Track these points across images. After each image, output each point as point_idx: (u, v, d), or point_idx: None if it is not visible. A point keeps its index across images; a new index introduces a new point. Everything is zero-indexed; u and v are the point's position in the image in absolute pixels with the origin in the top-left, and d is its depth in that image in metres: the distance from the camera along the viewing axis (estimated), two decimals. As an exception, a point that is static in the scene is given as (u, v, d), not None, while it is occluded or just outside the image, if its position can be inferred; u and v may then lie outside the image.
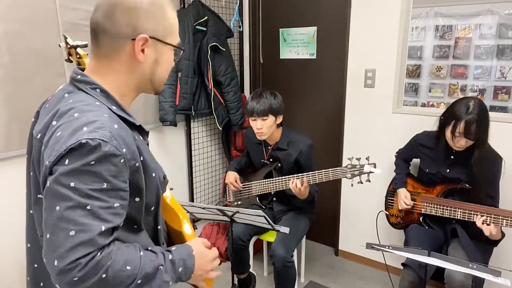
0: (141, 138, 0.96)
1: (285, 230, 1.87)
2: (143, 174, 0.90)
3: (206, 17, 2.68)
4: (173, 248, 0.95)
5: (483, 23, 2.23)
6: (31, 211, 0.95)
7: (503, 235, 1.91)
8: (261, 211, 1.74)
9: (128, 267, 0.80)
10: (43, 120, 0.89)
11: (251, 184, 2.43)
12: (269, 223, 1.83)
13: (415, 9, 2.42)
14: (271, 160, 2.37)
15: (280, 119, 2.25)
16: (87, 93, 0.89)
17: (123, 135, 0.84)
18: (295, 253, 2.27)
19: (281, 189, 2.25)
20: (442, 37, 2.38)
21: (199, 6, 2.68)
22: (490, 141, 1.94)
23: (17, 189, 1.99)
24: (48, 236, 0.76)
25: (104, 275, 0.76)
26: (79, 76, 0.91)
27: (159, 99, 2.58)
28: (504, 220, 1.81)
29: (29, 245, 0.99)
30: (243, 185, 2.47)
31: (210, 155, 3.16)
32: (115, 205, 0.80)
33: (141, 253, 0.85)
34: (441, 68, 2.41)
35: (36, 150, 0.89)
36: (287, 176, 2.19)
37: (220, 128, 2.91)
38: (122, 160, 0.81)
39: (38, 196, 0.91)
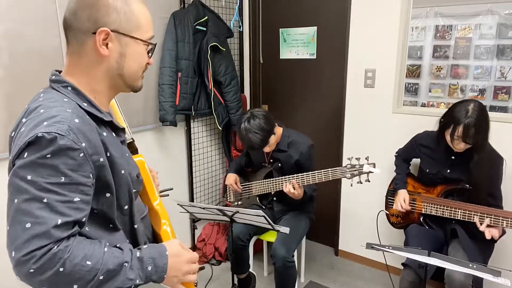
0: (113, 135, 0.96)
1: (285, 230, 1.87)
2: (110, 170, 0.90)
3: (206, 17, 2.68)
4: (144, 246, 0.94)
5: (483, 23, 2.23)
6: None
7: (503, 232, 1.91)
8: (261, 211, 1.74)
9: (88, 262, 0.79)
10: (17, 120, 0.91)
11: (251, 184, 2.43)
12: (269, 223, 1.83)
13: (415, 9, 2.42)
14: (271, 161, 2.37)
15: (276, 128, 2.26)
16: (58, 91, 0.91)
17: (84, 129, 0.84)
18: (295, 253, 2.27)
19: (281, 189, 2.25)
20: (442, 37, 2.37)
21: (199, 6, 2.68)
22: (491, 141, 1.94)
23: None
24: (8, 228, 0.77)
25: (61, 269, 0.76)
26: (53, 77, 0.93)
27: (159, 99, 2.58)
28: (505, 221, 1.81)
29: None
30: (243, 185, 2.47)
31: (210, 155, 3.16)
32: (75, 199, 0.80)
33: (105, 249, 0.84)
34: (441, 68, 2.41)
35: (10, 148, 0.91)
36: (287, 176, 2.20)
37: (220, 128, 2.91)
38: (81, 154, 0.81)
39: None
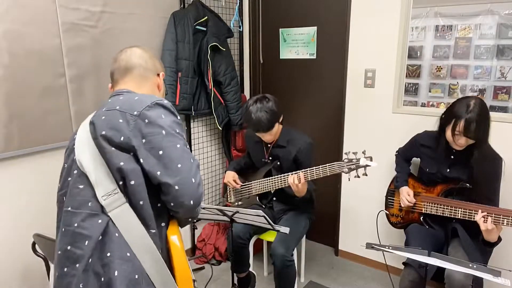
0: None
1: (285, 230, 1.87)
2: None
3: (206, 17, 2.68)
4: None
5: (483, 23, 2.24)
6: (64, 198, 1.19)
7: (499, 239, 1.91)
8: (261, 211, 1.74)
9: None
10: (108, 121, 1.15)
11: (251, 183, 2.43)
12: (269, 223, 1.83)
13: (415, 9, 2.42)
14: (271, 158, 2.37)
15: (281, 118, 2.25)
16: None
17: None
18: (295, 252, 2.27)
19: (280, 187, 2.25)
20: (442, 37, 2.38)
21: (199, 6, 2.68)
22: (490, 141, 1.94)
23: (17, 189, 1.99)
24: (179, 165, 1.12)
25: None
26: (124, 91, 1.31)
27: (159, 99, 2.58)
28: (505, 219, 1.81)
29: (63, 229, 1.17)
30: (243, 185, 2.47)
31: (210, 155, 3.16)
32: None
33: None
34: (441, 68, 2.41)
35: (102, 144, 1.14)
36: (285, 174, 2.19)
37: (220, 128, 2.91)
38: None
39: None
